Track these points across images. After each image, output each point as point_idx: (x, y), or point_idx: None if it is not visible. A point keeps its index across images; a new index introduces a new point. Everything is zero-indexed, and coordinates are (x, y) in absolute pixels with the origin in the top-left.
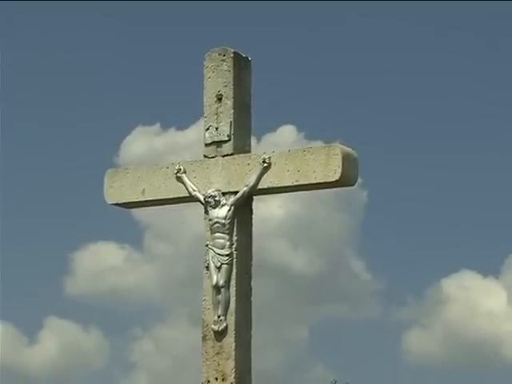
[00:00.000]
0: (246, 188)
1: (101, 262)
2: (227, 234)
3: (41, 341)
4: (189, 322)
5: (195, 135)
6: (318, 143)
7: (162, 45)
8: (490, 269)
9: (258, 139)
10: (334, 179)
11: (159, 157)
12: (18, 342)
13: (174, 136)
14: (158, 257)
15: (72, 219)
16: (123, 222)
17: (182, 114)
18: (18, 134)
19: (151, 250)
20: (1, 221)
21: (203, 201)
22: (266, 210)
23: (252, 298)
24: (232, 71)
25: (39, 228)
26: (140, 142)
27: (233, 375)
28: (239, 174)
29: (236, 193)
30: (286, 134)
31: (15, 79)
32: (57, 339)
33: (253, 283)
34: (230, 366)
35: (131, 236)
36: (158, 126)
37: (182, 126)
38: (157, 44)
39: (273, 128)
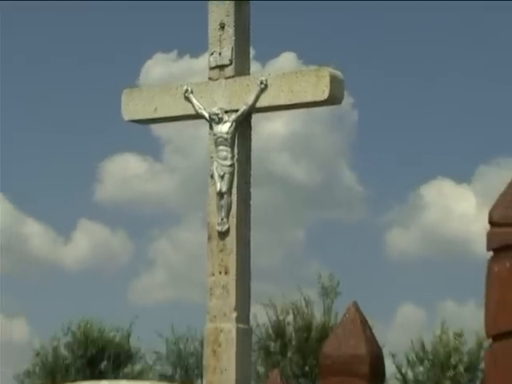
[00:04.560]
0: (245, 107)
1: (126, 172)
2: (229, 146)
3: (74, 240)
4: (201, 224)
5: (207, 62)
6: (311, 67)
7: None
8: (463, 177)
9: (263, 65)
10: (322, 98)
11: (175, 80)
12: (55, 241)
13: (188, 62)
14: (176, 168)
15: (102, 133)
16: (146, 137)
17: (196, 42)
18: (60, 63)
19: (170, 162)
20: (42, 135)
21: (208, 118)
22: (270, 127)
23: (251, 203)
24: (233, 1)
25: (73, 141)
26: (159, 67)
27: (234, 269)
28: (240, 94)
29: (237, 111)
30: (288, 60)
31: (50, 13)
32: (88, 239)
33: (258, 192)
34: (232, 262)
35: (153, 150)
36: (175, 53)
37: (196, 54)
38: None
39: (275, 55)
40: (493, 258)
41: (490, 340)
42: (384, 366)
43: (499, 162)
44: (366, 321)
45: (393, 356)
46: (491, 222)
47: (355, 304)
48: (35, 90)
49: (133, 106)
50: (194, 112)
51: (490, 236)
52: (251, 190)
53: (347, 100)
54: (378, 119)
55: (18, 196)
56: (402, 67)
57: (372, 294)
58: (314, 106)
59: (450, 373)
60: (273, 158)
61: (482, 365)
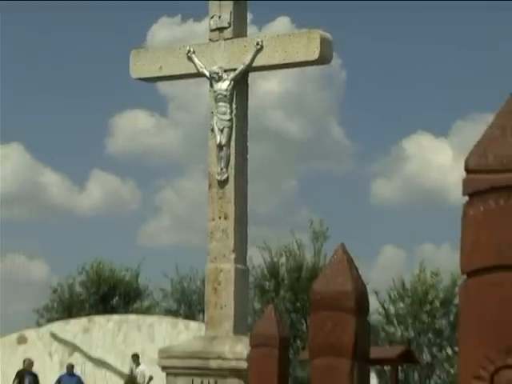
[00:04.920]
0: (242, 66)
1: (135, 127)
2: (228, 103)
3: (88, 189)
4: (203, 175)
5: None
6: (302, 29)
7: None
8: (441, 131)
9: (259, 28)
10: (313, 58)
11: (179, 42)
12: (71, 189)
13: (192, 26)
14: (180, 123)
15: (113, 92)
16: (153, 95)
17: (199, 7)
18: (75, 27)
19: (174, 117)
20: (59, 95)
21: (208, 76)
22: (266, 86)
23: (248, 156)
24: None
25: (87, 98)
26: (164, 30)
27: (233, 215)
28: (238, 55)
29: (235, 69)
30: (282, 24)
31: None
32: (100, 188)
33: (254, 146)
34: (230, 208)
35: (159, 106)
36: (179, 17)
37: (199, 18)
38: None
39: (271, 19)
40: (468, 203)
41: (465, 277)
42: (368, 301)
43: (474, 118)
44: (352, 261)
45: (376, 293)
46: (467, 170)
47: (342, 246)
48: (54, 53)
49: (140, 66)
50: (195, 71)
51: (465, 182)
52: (248, 143)
53: (336, 61)
54: (365, 78)
55: (36, 148)
56: (387, 32)
57: (358, 237)
58: (305, 66)
59: (427, 307)
60: (268, 114)
61: (456, 300)
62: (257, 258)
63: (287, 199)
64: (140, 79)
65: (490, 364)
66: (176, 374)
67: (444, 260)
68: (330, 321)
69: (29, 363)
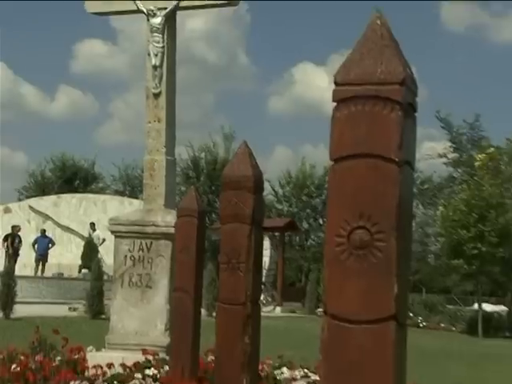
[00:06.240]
0: (171, 6)
1: (92, 51)
2: (161, 33)
3: (57, 99)
4: (143, 89)
5: None
6: None
7: None
8: (320, 62)
9: None
10: (225, 1)
11: None
12: (43, 99)
13: None
14: (127, 50)
15: (75, 24)
16: (107, 27)
17: None
18: None
19: (123, 45)
20: (37, 23)
21: (146, 12)
22: (191, 23)
23: (176, 75)
24: None
25: (55, 28)
26: None
27: (164, 119)
28: None
29: (166, 8)
30: None
31: None
32: (67, 98)
33: (182, 69)
34: (162, 114)
35: (111, 37)
36: None
37: None
38: None
39: None
40: (336, 108)
41: (332, 163)
42: (263, 184)
43: (343, 52)
44: (252, 154)
45: (269, 181)
46: (335, 83)
47: (245, 143)
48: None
49: (93, 3)
50: (136, 8)
51: (334, 92)
52: (177, 66)
53: (244, 6)
54: (265, 19)
55: (17, 66)
56: None
57: (258, 139)
58: (219, 7)
59: (306, 191)
60: (193, 44)
61: (327, 185)
62: (183, 154)
63: (206, 110)
64: (94, 13)
65: (347, 225)
66: (122, 237)
67: (320, 156)
68: (235, 197)
69: (18, 229)
